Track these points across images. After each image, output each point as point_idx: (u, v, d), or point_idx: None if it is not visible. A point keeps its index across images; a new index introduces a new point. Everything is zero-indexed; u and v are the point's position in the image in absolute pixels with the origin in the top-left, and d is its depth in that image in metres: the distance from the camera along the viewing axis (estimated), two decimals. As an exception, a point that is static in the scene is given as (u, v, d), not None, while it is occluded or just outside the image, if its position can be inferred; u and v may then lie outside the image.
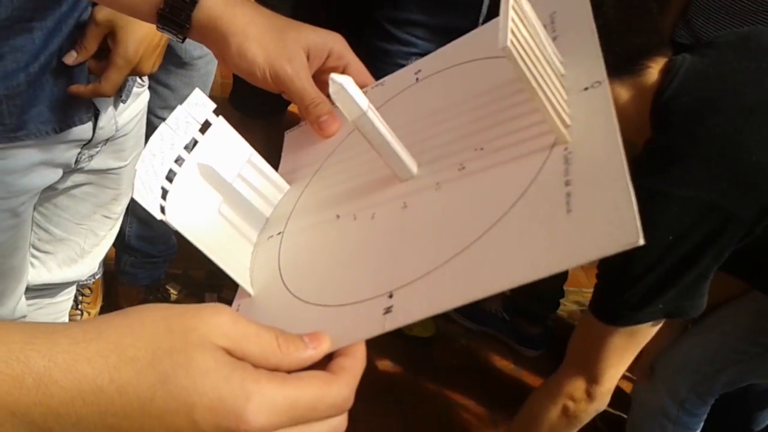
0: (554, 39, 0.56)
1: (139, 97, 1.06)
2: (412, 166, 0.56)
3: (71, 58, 0.86)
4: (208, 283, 2.05)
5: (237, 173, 0.64)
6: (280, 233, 0.62)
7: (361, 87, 0.66)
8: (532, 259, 0.42)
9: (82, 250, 1.20)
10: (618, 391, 2.04)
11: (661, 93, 0.95)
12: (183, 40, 0.65)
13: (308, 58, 0.64)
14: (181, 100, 0.62)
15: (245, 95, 1.72)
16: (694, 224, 0.82)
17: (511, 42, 0.44)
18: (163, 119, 0.60)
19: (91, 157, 1.03)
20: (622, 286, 0.95)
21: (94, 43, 0.86)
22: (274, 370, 0.38)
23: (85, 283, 1.69)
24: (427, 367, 1.96)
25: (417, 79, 0.67)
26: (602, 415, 1.95)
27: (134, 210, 1.29)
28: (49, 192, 1.05)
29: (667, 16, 1.67)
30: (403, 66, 0.71)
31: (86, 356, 0.35)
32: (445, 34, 0.74)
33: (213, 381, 0.35)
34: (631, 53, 0.99)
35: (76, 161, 1.00)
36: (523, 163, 0.49)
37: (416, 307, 0.44)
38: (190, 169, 0.60)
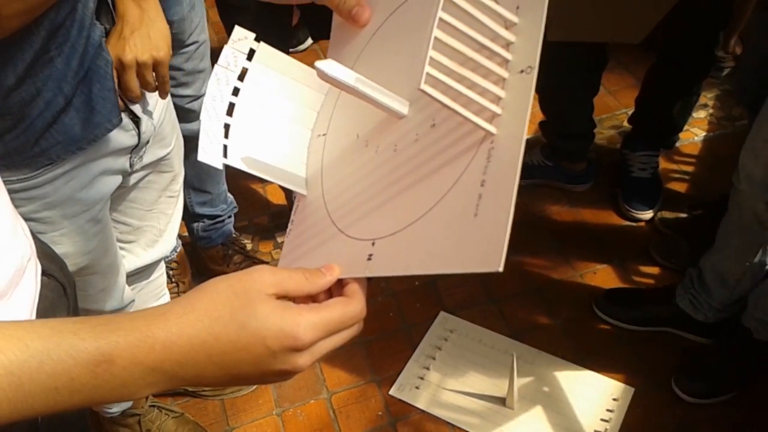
0: None
1: None
2: (403, 109, 0.60)
3: None
4: (274, 225, 2.20)
5: (286, 86, 0.70)
6: (324, 134, 0.69)
7: None
8: (439, 254, 0.50)
9: (159, 231, 1.36)
10: (674, 194, 2.12)
11: None
12: None
13: None
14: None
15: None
16: None
17: (428, 76, 0.48)
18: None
19: (141, 157, 1.16)
20: None
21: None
22: (307, 295, 0.57)
23: (170, 258, 1.85)
24: (490, 232, 2.07)
25: None
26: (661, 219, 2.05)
27: (187, 181, 1.42)
28: (118, 191, 1.20)
29: None
30: None
31: (189, 323, 0.52)
32: None
33: (273, 320, 0.52)
34: None
35: (131, 165, 1.14)
36: (464, 148, 0.53)
37: (386, 264, 0.55)
38: (246, 93, 0.67)
